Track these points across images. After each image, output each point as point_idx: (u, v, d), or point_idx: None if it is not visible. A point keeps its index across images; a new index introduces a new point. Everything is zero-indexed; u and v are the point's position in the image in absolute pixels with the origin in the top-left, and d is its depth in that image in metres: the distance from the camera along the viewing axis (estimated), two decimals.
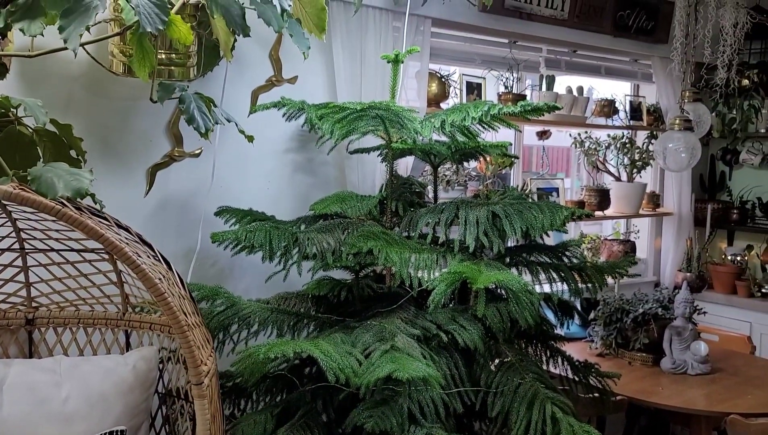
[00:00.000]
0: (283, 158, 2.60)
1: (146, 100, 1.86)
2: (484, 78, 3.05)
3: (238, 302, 1.92)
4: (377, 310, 1.90)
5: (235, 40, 2.28)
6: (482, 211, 1.93)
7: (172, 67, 2.03)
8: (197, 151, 2.37)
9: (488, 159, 2.99)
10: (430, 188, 3.03)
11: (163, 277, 1.52)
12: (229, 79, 2.41)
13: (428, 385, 1.52)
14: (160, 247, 2.28)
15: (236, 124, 2.09)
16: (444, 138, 2.21)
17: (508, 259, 2.11)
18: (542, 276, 2.07)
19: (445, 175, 2.80)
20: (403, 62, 2.19)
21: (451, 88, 2.93)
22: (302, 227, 2.19)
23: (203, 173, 2.37)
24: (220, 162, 2.41)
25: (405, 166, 2.77)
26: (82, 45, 1.83)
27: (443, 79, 2.88)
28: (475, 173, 3.02)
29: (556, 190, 3.34)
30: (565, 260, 2.17)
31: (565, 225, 1.93)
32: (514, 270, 2.05)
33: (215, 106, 1.94)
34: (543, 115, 1.94)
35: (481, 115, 1.88)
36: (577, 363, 2.23)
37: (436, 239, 2.02)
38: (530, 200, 2.03)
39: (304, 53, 2.07)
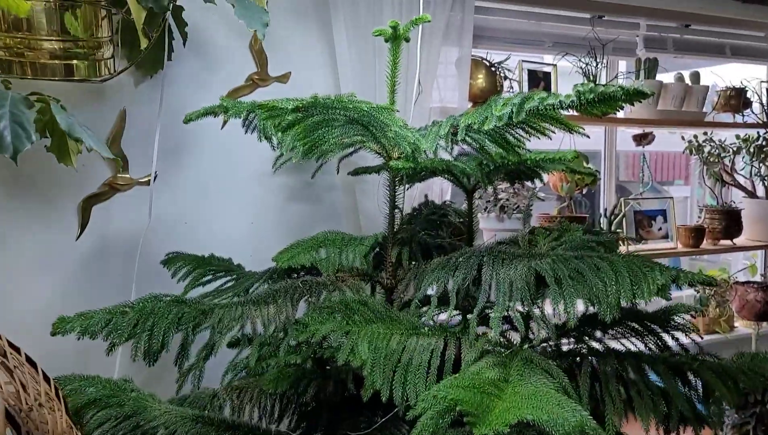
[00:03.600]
0: (271, 183, 1.95)
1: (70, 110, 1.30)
2: (555, 65, 2.25)
3: (149, 409, 1.27)
4: (345, 433, 1.19)
5: (186, 25, 1.68)
6: (519, 270, 1.17)
7: (75, 62, 1.45)
8: (147, 178, 1.78)
9: (561, 175, 2.19)
10: (480, 217, 2.26)
11: None
12: (194, 78, 1.82)
13: None
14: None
15: (88, 146, 1.36)
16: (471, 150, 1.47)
17: (566, 342, 1.33)
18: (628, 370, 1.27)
19: (498, 200, 2.03)
20: (408, 40, 1.47)
21: (507, 81, 2.16)
22: (266, 285, 1.52)
23: (159, 206, 1.77)
24: (183, 192, 1.81)
25: (440, 188, 2.04)
26: None
27: (493, 68, 2.11)
28: (543, 195, 2.22)
29: (663, 213, 2.46)
30: (667, 339, 1.36)
31: (665, 294, 1.13)
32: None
33: (64, 109, 1.32)
34: (620, 108, 1.16)
35: (511, 112, 1.13)
36: None
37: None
38: (600, 252, 1.23)
39: (256, 32, 1.42)
